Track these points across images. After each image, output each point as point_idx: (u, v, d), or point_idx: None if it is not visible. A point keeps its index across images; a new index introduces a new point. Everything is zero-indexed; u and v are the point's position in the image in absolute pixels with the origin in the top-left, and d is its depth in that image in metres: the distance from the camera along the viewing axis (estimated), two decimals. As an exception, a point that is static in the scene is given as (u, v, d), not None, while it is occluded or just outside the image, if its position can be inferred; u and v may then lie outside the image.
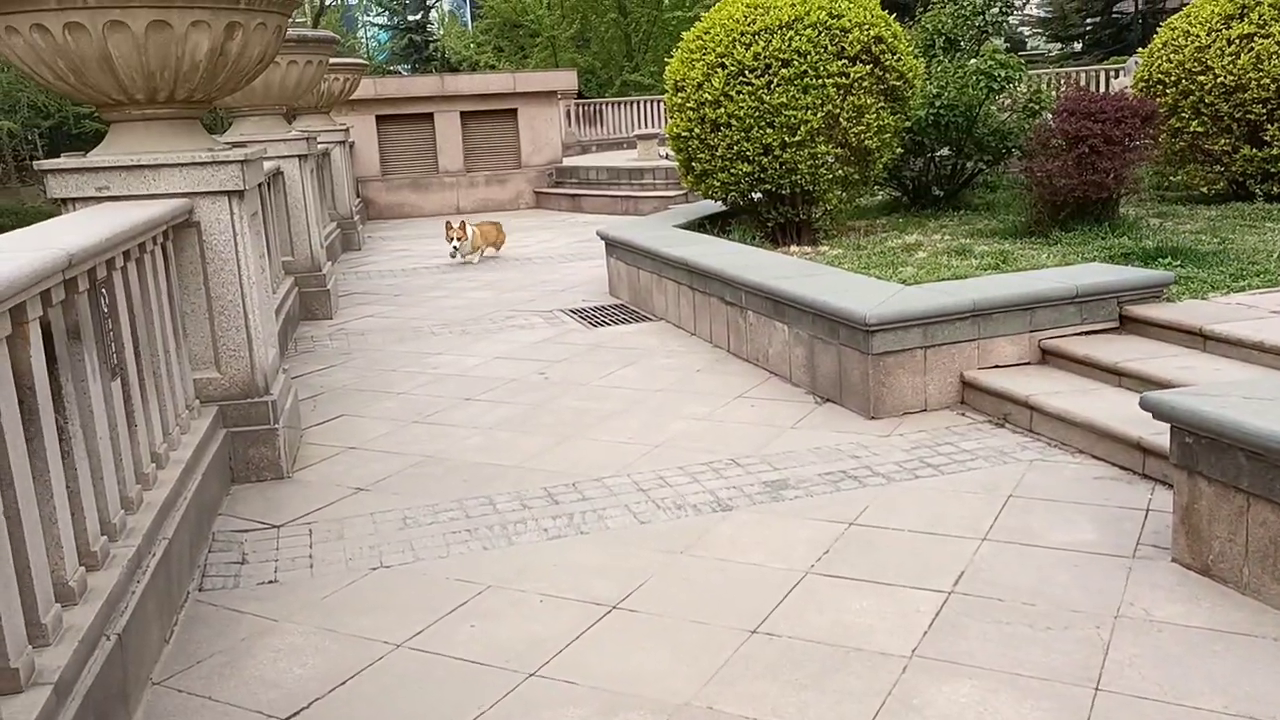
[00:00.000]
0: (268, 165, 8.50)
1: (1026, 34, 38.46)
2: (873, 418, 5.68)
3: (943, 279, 6.58)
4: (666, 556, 4.17)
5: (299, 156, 8.97)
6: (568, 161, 19.67)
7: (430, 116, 18.58)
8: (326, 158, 13.52)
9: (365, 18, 52.85)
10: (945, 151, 10.45)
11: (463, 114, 18.71)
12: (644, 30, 34.94)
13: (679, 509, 4.63)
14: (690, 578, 3.98)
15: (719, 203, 9.85)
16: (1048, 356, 5.91)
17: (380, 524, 4.64)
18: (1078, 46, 37.23)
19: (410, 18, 54.10)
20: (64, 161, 4.84)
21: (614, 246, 9.61)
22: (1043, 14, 39.35)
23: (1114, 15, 39.25)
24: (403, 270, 12.19)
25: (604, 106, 28.33)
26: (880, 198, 11.59)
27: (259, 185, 6.78)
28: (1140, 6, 38.27)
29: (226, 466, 5.11)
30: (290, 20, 5.40)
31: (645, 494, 4.81)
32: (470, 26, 47.66)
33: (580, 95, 29.91)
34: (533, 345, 7.95)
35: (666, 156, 17.24)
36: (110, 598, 3.19)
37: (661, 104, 27.20)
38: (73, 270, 3.24)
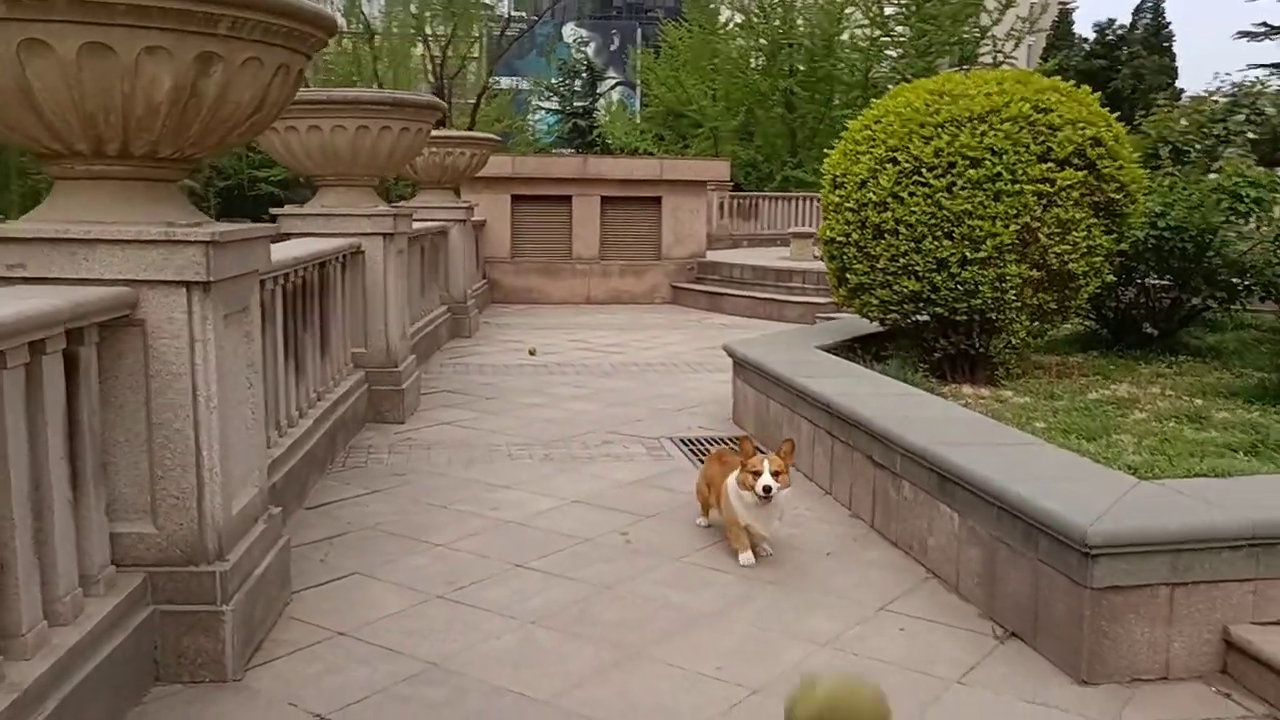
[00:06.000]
0: (344, 242, 7.29)
1: (1231, 156, 35.10)
2: (1085, 681, 3.80)
3: (1194, 474, 4.59)
4: None
5: (383, 235, 7.72)
6: (711, 256, 18.20)
7: (568, 199, 17.45)
8: (444, 236, 12.43)
9: (536, 101, 53.69)
10: (1160, 281, 8.48)
11: (603, 199, 17.49)
12: (810, 127, 33.60)
13: (772, 844, 2.88)
14: None
15: (875, 323, 8.12)
16: (1360, 610, 3.93)
17: (316, 799, 3.06)
18: (1290, 169, 33.69)
19: (578, 104, 54.63)
20: (-29, 228, 3.56)
21: (743, 367, 7.97)
22: (1251, 135, 35.78)
23: (1340, 133, 35.68)
24: (505, 366, 10.83)
25: (760, 201, 26.95)
26: (1069, 327, 9.59)
27: (273, 272, 5.50)
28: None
29: (146, 661, 3.64)
30: (310, 61, 4.05)
31: (724, 799, 3.09)
32: (637, 114, 47.45)
33: (737, 187, 28.69)
34: (624, 487, 6.34)
35: (820, 258, 15.62)
36: None
37: (819, 201, 25.70)
38: None
